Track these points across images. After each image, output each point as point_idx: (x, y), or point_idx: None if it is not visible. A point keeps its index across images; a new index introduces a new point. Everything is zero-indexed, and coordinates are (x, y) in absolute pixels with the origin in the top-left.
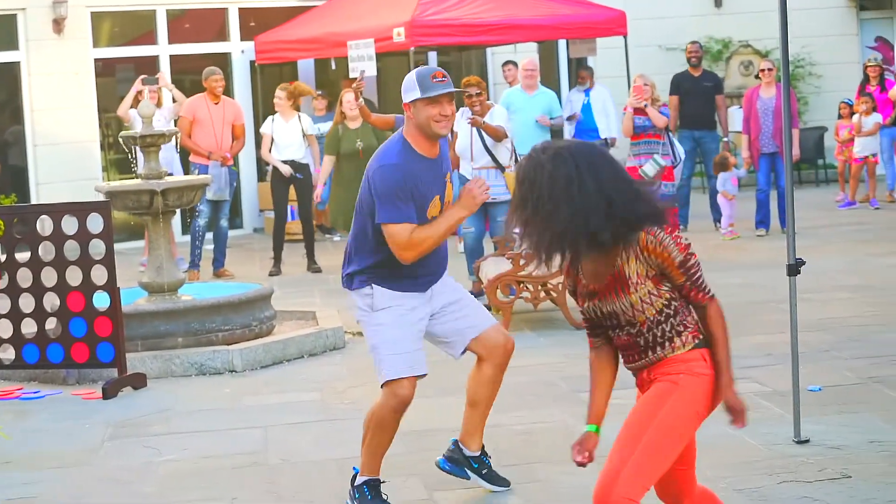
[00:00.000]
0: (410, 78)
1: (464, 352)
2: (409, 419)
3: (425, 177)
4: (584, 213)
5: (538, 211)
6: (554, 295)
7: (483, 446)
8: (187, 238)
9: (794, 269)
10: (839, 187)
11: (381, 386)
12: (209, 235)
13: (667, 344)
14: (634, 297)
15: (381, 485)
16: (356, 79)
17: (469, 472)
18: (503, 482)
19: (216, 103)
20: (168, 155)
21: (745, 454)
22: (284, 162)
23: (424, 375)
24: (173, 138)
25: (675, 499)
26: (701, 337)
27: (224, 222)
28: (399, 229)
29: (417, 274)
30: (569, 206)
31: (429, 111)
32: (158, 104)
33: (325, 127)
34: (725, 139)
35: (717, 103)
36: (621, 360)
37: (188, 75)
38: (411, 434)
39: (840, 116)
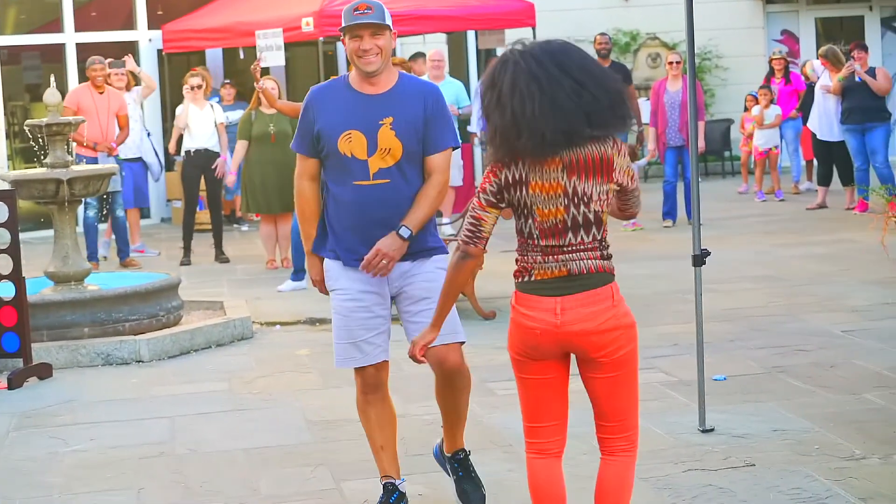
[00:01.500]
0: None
1: None
2: (315, 408)
3: (344, 108)
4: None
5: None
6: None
7: (457, 450)
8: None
9: (700, 259)
10: (742, 178)
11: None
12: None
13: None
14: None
15: (392, 485)
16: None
17: (448, 471)
18: (473, 495)
19: (101, 93)
20: (136, 138)
21: (651, 443)
22: (197, 151)
23: (384, 363)
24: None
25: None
26: (521, 280)
27: (120, 212)
28: (298, 160)
29: (355, 246)
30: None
31: (351, 45)
32: (128, 87)
33: (234, 116)
34: (639, 129)
35: (628, 94)
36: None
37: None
38: (320, 423)
39: (746, 109)
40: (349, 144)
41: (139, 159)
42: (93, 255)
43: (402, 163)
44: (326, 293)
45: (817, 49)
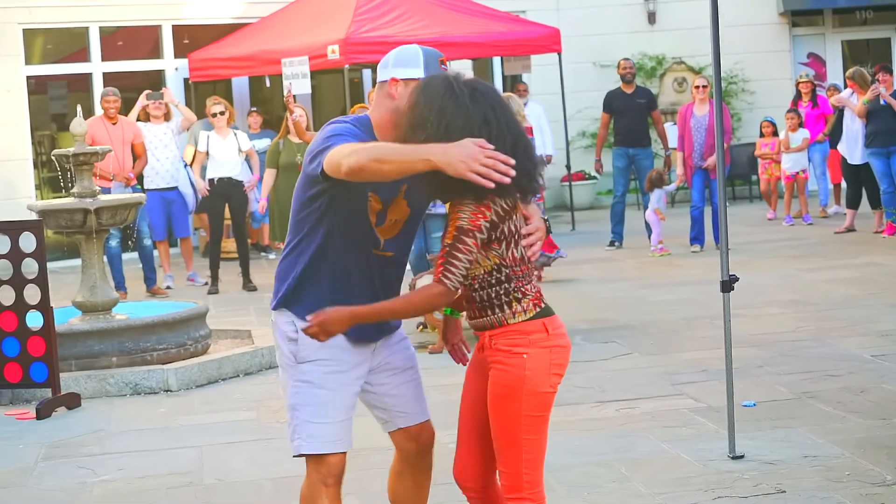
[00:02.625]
0: (414, 53)
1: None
2: None
3: None
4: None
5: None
6: None
7: None
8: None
9: (728, 285)
10: (769, 205)
11: (295, 456)
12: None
13: (506, 308)
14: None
15: None
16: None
17: None
18: None
19: (114, 124)
20: (171, 168)
21: (680, 470)
22: (220, 179)
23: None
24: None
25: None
26: (543, 306)
27: (147, 241)
28: (339, 146)
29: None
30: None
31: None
32: (166, 118)
33: (260, 144)
34: (667, 153)
35: (655, 118)
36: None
37: (122, 93)
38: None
39: (762, 135)
40: (372, 209)
41: (174, 188)
42: (119, 285)
43: (404, 233)
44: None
45: (844, 72)
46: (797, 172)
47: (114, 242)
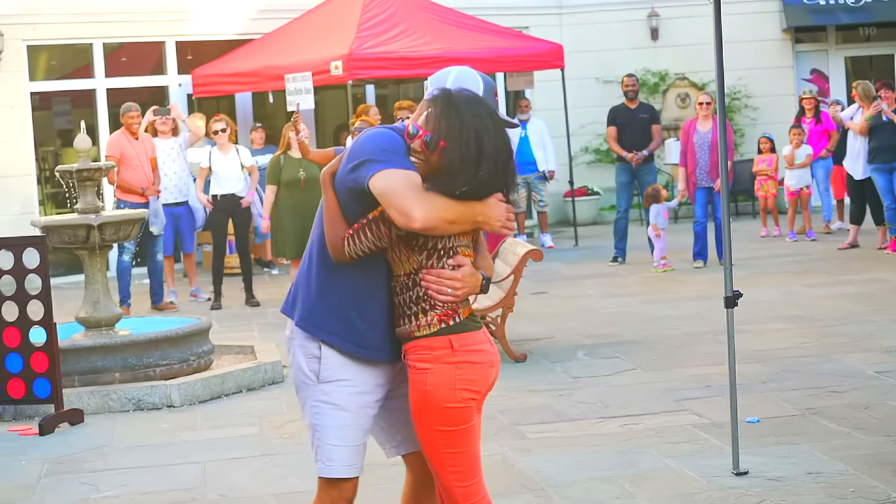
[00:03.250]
0: (474, 78)
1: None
2: None
3: None
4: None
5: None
6: (493, 328)
7: None
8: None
9: (732, 301)
10: (762, 223)
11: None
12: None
13: (412, 319)
14: (395, 240)
15: None
16: (293, 112)
17: None
18: None
19: (136, 139)
20: (178, 183)
21: (685, 486)
22: (224, 195)
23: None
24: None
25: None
26: (451, 323)
27: (160, 256)
28: (398, 174)
29: (377, 342)
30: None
31: None
32: (174, 133)
33: (263, 160)
34: (643, 152)
35: (653, 133)
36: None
37: None
38: None
39: (760, 151)
40: None
41: (183, 204)
42: (124, 300)
43: None
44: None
45: (847, 88)
46: (801, 188)
47: (126, 257)
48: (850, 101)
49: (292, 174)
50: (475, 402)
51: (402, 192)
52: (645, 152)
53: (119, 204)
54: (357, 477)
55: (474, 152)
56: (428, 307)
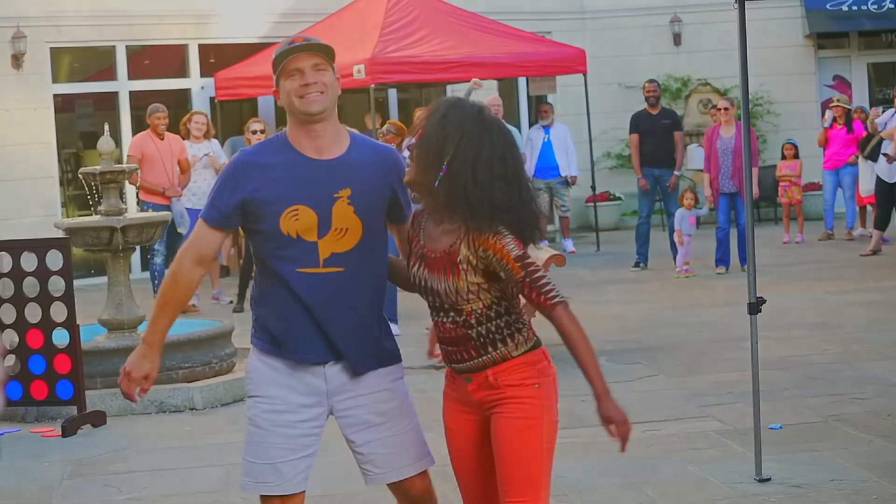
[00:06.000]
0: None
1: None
2: None
3: (288, 176)
4: (475, 183)
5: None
6: None
7: None
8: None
9: (755, 307)
10: (784, 229)
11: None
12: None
13: (508, 341)
14: (462, 283)
15: None
16: None
17: None
18: None
19: (162, 140)
20: (206, 188)
21: (707, 493)
22: None
23: (301, 494)
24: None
25: None
26: (537, 336)
27: None
28: (198, 227)
29: (302, 335)
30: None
31: (288, 86)
32: (207, 136)
33: None
34: (675, 173)
35: (675, 139)
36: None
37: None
38: None
39: (783, 157)
40: (295, 223)
41: None
42: None
43: (362, 246)
44: (132, 396)
45: (869, 94)
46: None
47: (158, 259)
48: (878, 105)
49: None
50: None
51: (189, 240)
52: (677, 172)
53: (143, 205)
54: (292, 496)
55: (441, 141)
56: (521, 325)
